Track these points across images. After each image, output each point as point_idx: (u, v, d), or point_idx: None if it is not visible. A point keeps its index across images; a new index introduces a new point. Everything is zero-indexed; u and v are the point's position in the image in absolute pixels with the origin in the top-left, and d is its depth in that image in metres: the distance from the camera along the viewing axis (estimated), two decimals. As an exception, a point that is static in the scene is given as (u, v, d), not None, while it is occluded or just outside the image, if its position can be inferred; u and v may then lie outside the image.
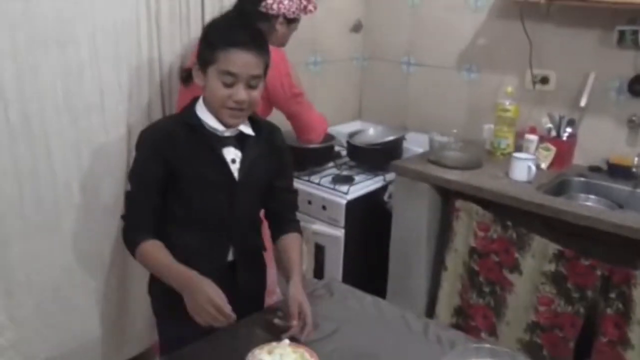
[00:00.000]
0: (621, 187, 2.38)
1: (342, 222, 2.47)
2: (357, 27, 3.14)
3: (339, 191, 2.50)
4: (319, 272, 2.55)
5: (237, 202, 1.62)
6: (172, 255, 1.55)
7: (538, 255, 2.22)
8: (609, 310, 2.08)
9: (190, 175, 1.57)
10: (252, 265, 1.76)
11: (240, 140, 1.62)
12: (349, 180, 2.57)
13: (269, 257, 1.89)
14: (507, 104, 2.57)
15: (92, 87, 2.04)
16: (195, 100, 1.62)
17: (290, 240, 1.74)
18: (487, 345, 1.37)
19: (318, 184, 2.56)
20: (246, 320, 1.60)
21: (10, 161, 1.92)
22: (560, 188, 2.42)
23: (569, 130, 2.52)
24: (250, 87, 1.53)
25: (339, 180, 2.57)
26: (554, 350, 2.25)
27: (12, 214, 1.95)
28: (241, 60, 1.50)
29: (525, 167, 2.31)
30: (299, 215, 2.65)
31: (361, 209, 2.53)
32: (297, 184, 2.59)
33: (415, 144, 2.85)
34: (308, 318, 1.53)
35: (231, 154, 1.61)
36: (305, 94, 2.26)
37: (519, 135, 2.61)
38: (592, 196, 2.40)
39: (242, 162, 1.61)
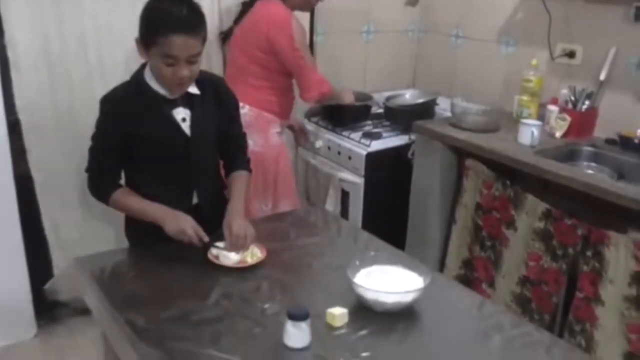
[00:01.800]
0: (626, 159, 2.44)
1: (362, 171, 2.77)
2: (413, 1, 3.38)
3: (362, 144, 2.79)
4: (344, 214, 2.88)
5: (192, 155, 1.83)
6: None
7: (530, 213, 2.38)
8: (585, 268, 2.21)
9: (146, 136, 1.76)
10: (216, 204, 1.92)
11: (188, 99, 1.81)
12: (376, 136, 2.85)
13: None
14: (531, 75, 2.72)
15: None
16: (144, 65, 1.80)
17: (236, 176, 1.95)
18: (386, 254, 1.64)
19: (348, 137, 2.87)
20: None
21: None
22: (568, 155, 2.53)
23: (587, 102, 2.62)
24: (190, 62, 1.69)
25: (368, 135, 2.85)
26: (540, 304, 2.41)
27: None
28: (181, 44, 1.64)
29: (529, 131, 2.46)
30: (329, 164, 3.01)
31: (382, 161, 2.80)
32: (331, 137, 2.95)
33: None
34: (234, 232, 1.72)
35: (181, 114, 1.80)
36: (308, 57, 2.53)
37: (544, 106, 2.74)
38: (594, 164, 2.49)
39: (192, 119, 1.81)
